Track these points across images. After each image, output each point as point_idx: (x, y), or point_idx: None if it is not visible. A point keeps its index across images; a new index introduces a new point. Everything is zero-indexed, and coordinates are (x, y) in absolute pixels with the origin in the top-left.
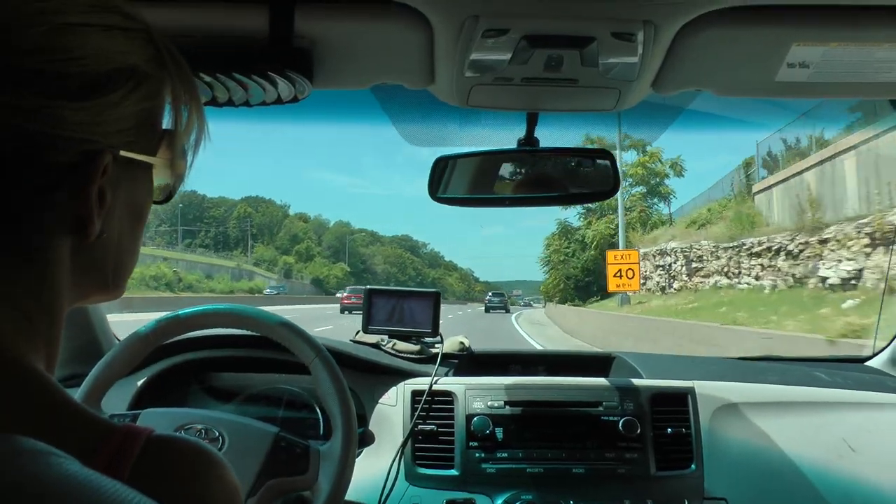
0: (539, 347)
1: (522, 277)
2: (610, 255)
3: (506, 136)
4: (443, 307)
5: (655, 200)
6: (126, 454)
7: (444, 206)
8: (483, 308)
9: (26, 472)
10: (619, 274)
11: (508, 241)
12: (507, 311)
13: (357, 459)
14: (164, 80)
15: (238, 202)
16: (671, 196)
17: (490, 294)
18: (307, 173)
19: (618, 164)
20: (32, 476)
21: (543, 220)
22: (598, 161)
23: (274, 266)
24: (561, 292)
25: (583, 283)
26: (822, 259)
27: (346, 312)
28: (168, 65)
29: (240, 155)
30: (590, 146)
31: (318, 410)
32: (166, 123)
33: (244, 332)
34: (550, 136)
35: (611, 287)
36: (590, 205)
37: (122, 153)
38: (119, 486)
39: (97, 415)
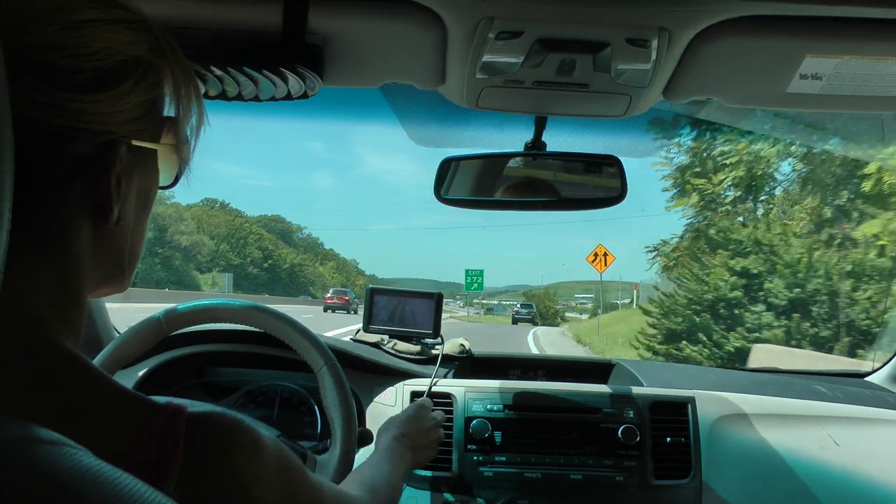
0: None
1: (412, 276)
2: None
3: (513, 139)
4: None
5: None
6: (174, 431)
7: (327, 198)
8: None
9: (39, 461)
10: None
11: (395, 237)
12: (535, 323)
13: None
14: (164, 69)
15: None
16: None
17: (519, 305)
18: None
19: (625, 170)
20: (44, 466)
21: (430, 220)
22: (606, 167)
23: None
24: None
25: None
26: None
27: (330, 311)
28: (167, 54)
29: None
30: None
31: (316, 410)
32: (167, 110)
33: (246, 327)
34: (558, 140)
35: None
36: None
37: (135, 142)
38: (131, 479)
39: (140, 394)
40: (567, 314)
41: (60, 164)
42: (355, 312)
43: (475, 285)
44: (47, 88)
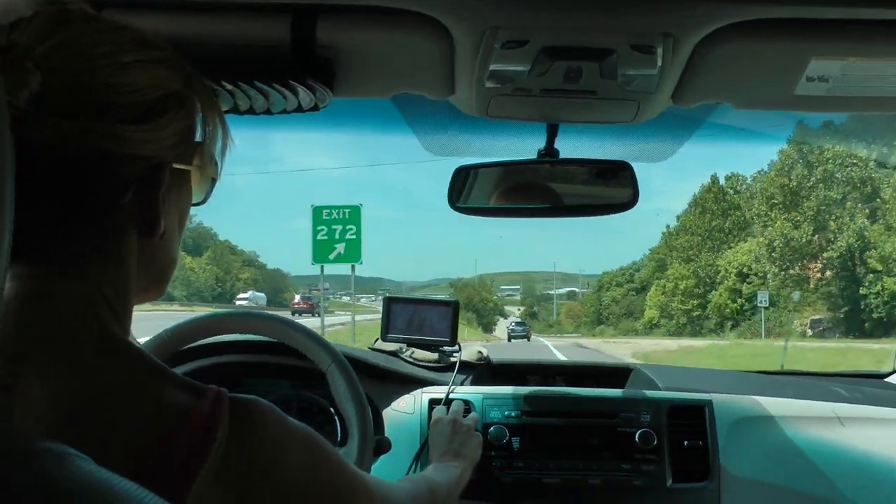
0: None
1: (330, 272)
2: None
3: (526, 147)
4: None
5: None
6: (219, 408)
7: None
8: None
9: (43, 471)
10: None
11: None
12: (529, 339)
13: (373, 466)
14: (194, 99)
15: None
16: None
17: (514, 323)
18: None
19: (636, 175)
20: (49, 475)
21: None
22: (618, 172)
23: None
24: None
25: None
26: None
27: (297, 315)
28: (196, 86)
29: None
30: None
31: (335, 417)
32: (198, 136)
33: (260, 337)
34: (571, 146)
35: None
36: None
37: (175, 165)
38: (132, 486)
39: (185, 377)
40: (506, 307)
41: (116, 184)
42: (319, 315)
43: (339, 252)
44: (105, 121)
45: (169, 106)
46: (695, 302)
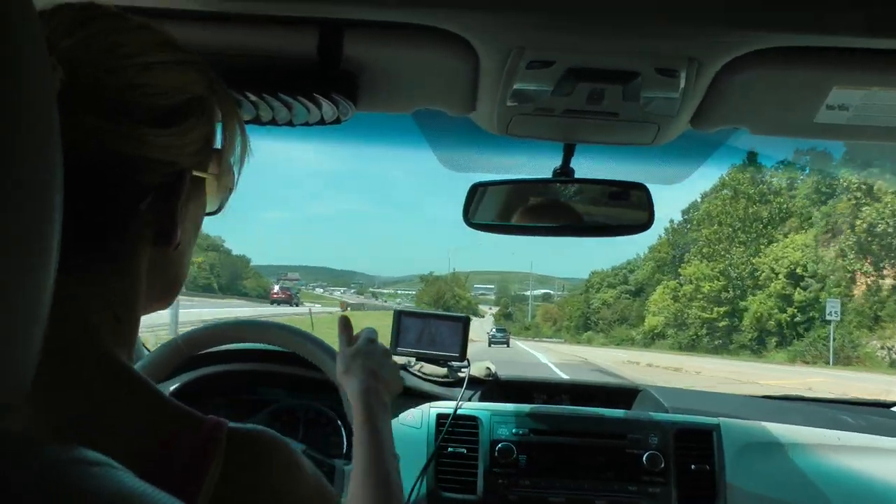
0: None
1: (301, 262)
2: None
3: (542, 165)
4: None
5: None
6: (216, 443)
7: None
8: None
9: (81, 481)
10: None
11: (293, 226)
12: (508, 345)
13: None
14: (215, 105)
15: None
16: None
17: (494, 329)
18: None
19: (652, 197)
20: (88, 487)
21: (328, 208)
22: (634, 194)
23: None
24: None
25: None
26: None
27: (275, 304)
28: (219, 92)
29: None
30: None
31: (342, 429)
32: (216, 143)
33: (272, 347)
34: (587, 166)
35: None
36: None
37: (195, 173)
38: (172, 500)
39: (185, 406)
40: (480, 306)
41: (133, 191)
42: (297, 305)
43: None
44: (126, 122)
45: (192, 111)
46: (721, 309)
